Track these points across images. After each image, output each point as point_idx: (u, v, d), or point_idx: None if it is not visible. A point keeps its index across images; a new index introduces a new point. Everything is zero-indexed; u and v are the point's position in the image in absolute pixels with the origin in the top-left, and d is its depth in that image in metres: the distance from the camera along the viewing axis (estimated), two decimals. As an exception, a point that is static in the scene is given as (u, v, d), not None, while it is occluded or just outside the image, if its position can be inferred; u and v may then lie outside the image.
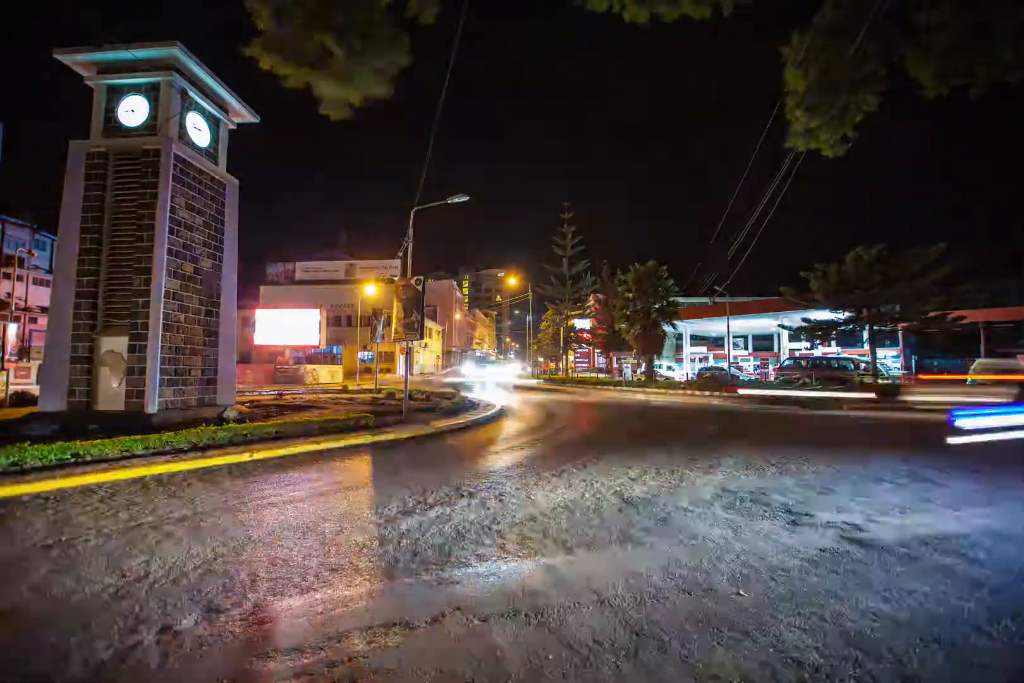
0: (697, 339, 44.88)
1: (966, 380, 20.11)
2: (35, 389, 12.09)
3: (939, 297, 20.53)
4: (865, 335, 24.70)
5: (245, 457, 6.75)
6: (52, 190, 9.51)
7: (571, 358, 45.86)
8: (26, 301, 33.92)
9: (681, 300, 29.44)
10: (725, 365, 31.17)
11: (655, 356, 28.88)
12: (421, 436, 9.06)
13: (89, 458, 6.04)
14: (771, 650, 2.30)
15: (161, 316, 8.93)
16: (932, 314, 21.26)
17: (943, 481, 5.66)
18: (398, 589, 2.96)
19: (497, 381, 34.12)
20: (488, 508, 4.64)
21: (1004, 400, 13.18)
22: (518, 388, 26.16)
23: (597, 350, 47.98)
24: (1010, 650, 2.32)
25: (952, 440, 7.53)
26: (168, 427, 8.13)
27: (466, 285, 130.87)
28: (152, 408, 8.71)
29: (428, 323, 49.52)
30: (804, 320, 25.19)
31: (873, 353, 23.45)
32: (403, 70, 3.06)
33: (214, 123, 10.82)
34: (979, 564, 3.30)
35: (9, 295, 27.98)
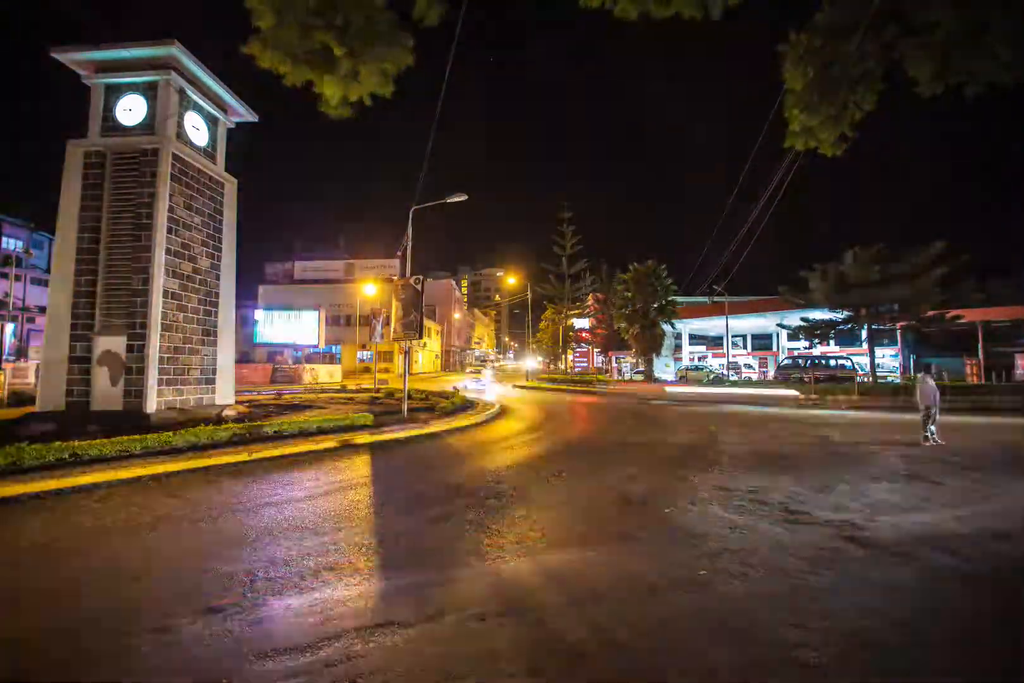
0: (696, 338, 44.83)
1: None
2: (33, 389, 12.07)
3: (937, 296, 20.52)
4: (864, 334, 24.68)
5: (244, 457, 6.74)
6: (50, 189, 9.48)
7: (570, 357, 45.84)
8: (24, 301, 33.83)
9: (680, 299, 29.41)
10: (726, 364, 31.17)
11: (654, 355, 28.85)
12: (420, 436, 9.04)
13: (87, 458, 6.03)
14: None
15: (159, 316, 8.91)
16: (930, 313, 21.25)
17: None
18: (396, 588, 2.96)
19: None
20: (486, 508, 4.64)
21: None
22: (516, 387, 26.21)
23: (596, 349, 47.93)
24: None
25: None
26: (167, 427, 8.11)
27: (465, 285, 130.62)
28: (151, 408, 8.70)
29: (427, 323, 49.39)
30: (803, 319, 25.16)
31: (872, 352, 23.45)
32: (405, 69, 3.04)
33: (212, 122, 10.79)
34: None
35: (7, 295, 27.92)
